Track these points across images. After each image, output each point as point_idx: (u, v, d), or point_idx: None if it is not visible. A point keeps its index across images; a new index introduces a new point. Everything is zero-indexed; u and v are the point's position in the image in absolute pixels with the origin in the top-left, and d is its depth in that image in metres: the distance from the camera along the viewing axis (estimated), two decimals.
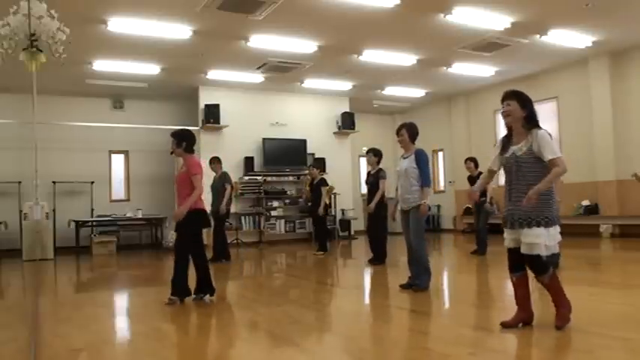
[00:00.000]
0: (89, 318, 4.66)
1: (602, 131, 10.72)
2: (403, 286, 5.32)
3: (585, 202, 10.92)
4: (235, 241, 11.78)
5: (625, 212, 10.39)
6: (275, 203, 12.63)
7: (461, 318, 4.19)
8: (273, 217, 12.58)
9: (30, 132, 9.60)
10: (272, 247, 11.48)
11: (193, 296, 5.08)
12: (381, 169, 7.77)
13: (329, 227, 11.37)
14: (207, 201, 9.22)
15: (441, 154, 14.90)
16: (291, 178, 12.86)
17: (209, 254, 8.54)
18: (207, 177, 10.06)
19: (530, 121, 3.55)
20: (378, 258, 7.58)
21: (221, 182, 8.70)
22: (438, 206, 14.48)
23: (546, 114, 11.87)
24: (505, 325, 3.52)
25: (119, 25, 7.98)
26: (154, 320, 4.48)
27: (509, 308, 3.86)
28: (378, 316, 4.49)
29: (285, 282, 6.91)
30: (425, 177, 5.26)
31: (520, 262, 3.55)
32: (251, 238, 12.22)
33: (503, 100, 3.62)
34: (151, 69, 10.42)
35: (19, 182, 11.03)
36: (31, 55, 5.13)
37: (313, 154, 12.89)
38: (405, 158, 5.39)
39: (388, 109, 15.22)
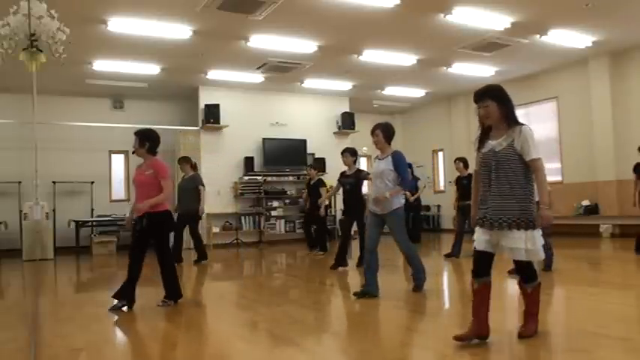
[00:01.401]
0: (89, 318, 4.65)
1: (602, 131, 10.72)
2: (357, 295, 5.02)
3: (585, 202, 10.92)
4: (235, 241, 11.80)
5: (625, 212, 10.38)
6: (275, 203, 12.63)
7: (461, 318, 4.19)
8: (273, 217, 12.58)
9: (30, 132, 9.59)
10: (272, 247, 11.48)
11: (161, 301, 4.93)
12: (361, 170, 7.68)
13: (329, 227, 11.37)
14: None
15: (440, 154, 14.90)
16: (291, 178, 12.87)
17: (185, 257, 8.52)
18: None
19: (510, 117, 3.31)
20: (360, 259, 7.35)
21: (193, 184, 8.54)
22: (438, 206, 14.48)
23: (546, 114, 11.90)
24: (458, 339, 3.23)
25: (119, 25, 7.98)
26: (154, 320, 4.48)
27: (508, 308, 3.86)
28: (378, 316, 4.49)
29: (285, 282, 6.91)
30: (405, 181, 5.09)
31: (487, 268, 3.31)
32: (251, 238, 12.22)
33: (477, 101, 3.34)
34: (151, 69, 10.42)
35: (19, 182, 11.03)
36: (31, 55, 5.14)
37: (313, 154, 12.90)
38: (380, 160, 5.18)
39: (388, 109, 15.22)
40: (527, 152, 3.20)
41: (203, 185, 8.64)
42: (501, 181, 3.23)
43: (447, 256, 8.26)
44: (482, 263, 3.31)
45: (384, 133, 5.15)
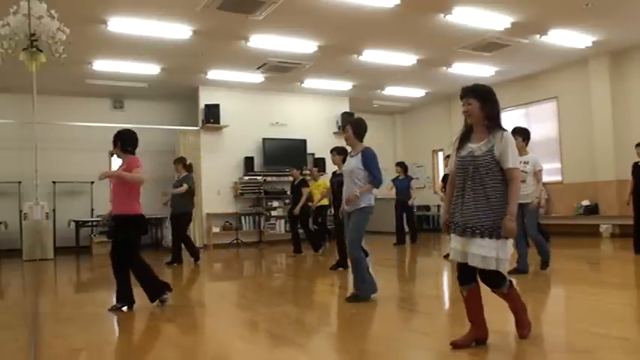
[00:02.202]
0: (89, 318, 4.66)
1: (602, 131, 10.72)
2: (349, 299, 4.88)
3: (585, 202, 10.92)
4: (235, 241, 11.80)
5: (625, 212, 10.35)
6: (275, 203, 12.63)
7: (461, 318, 4.18)
8: (273, 217, 12.58)
9: (30, 132, 9.59)
10: (272, 247, 11.48)
11: (118, 305, 4.84)
12: None
13: (328, 227, 11.37)
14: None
15: (440, 154, 14.88)
16: (291, 178, 12.83)
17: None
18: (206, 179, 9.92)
19: (493, 120, 3.20)
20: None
21: (179, 183, 8.47)
22: (438, 206, 14.46)
23: (546, 114, 11.90)
24: (456, 345, 3.17)
25: (119, 25, 7.98)
26: (154, 320, 4.48)
27: (505, 308, 3.85)
28: (378, 316, 4.49)
29: (285, 282, 6.91)
30: (374, 178, 4.85)
31: (470, 274, 3.22)
32: (251, 238, 12.22)
33: (462, 97, 3.26)
34: (151, 69, 10.42)
35: (19, 182, 11.03)
36: (31, 55, 5.14)
37: (313, 154, 12.90)
38: (352, 157, 5.02)
39: (388, 109, 15.22)
40: (505, 160, 3.10)
41: (189, 185, 8.47)
42: (477, 187, 3.13)
43: (447, 256, 8.22)
44: (465, 271, 3.24)
45: (354, 128, 4.99)
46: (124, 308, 4.78)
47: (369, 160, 4.87)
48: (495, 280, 3.21)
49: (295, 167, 10.07)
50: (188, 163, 8.91)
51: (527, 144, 6.13)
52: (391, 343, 3.59)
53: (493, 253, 3.07)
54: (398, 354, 3.30)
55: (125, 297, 4.84)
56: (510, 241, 3.14)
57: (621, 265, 7.26)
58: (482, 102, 3.20)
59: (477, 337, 3.24)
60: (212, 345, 3.69)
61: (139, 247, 4.94)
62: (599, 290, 5.22)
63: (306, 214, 9.68)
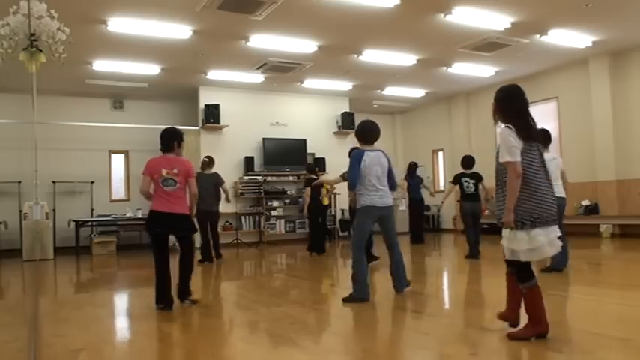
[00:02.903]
0: (89, 318, 4.66)
1: (602, 131, 10.72)
2: (345, 299, 4.86)
3: (585, 202, 10.92)
4: (235, 241, 11.80)
5: (625, 212, 10.39)
6: (275, 203, 12.64)
7: (461, 318, 4.19)
8: (273, 217, 12.59)
9: (30, 132, 9.59)
10: (272, 247, 11.48)
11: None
12: None
13: (329, 227, 11.37)
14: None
15: (440, 154, 14.90)
16: (291, 178, 12.87)
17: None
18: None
19: (501, 119, 3.33)
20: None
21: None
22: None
23: (546, 114, 11.89)
24: (500, 316, 3.52)
25: (119, 25, 7.99)
26: (154, 320, 4.48)
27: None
28: (378, 316, 4.49)
29: (285, 282, 6.91)
30: (349, 181, 4.89)
31: (507, 264, 3.43)
32: (251, 238, 12.22)
33: None
34: (151, 69, 10.42)
35: (19, 182, 11.03)
36: (31, 55, 5.13)
37: (313, 154, 12.90)
38: None
39: (388, 109, 15.23)
40: (499, 155, 3.21)
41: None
42: (498, 185, 3.33)
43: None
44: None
45: (356, 132, 5.09)
46: (189, 301, 4.85)
47: (350, 161, 4.93)
48: (518, 272, 3.30)
49: (307, 168, 9.99)
50: (202, 161, 8.96)
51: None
52: (391, 343, 3.59)
53: (505, 242, 3.27)
54: (398, 354, 3.30)
55: (184, 292, 4.89)
56: (522, 233, 3.16)
57: (621, 265, 7.26)
58: (494, 101, 3.38)
59: (505, 317, 3.48)
60: (212, 345, 3.69)
61: (154, 244, 4.88)
62: (599, 290, 5.22)
63: (317, 212, 9.58)
